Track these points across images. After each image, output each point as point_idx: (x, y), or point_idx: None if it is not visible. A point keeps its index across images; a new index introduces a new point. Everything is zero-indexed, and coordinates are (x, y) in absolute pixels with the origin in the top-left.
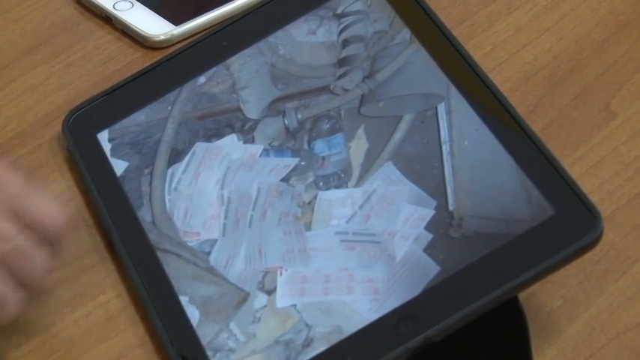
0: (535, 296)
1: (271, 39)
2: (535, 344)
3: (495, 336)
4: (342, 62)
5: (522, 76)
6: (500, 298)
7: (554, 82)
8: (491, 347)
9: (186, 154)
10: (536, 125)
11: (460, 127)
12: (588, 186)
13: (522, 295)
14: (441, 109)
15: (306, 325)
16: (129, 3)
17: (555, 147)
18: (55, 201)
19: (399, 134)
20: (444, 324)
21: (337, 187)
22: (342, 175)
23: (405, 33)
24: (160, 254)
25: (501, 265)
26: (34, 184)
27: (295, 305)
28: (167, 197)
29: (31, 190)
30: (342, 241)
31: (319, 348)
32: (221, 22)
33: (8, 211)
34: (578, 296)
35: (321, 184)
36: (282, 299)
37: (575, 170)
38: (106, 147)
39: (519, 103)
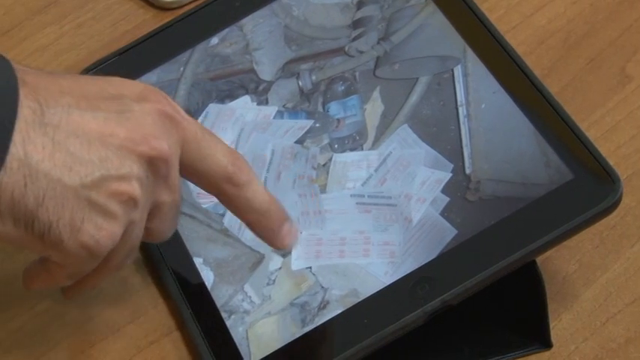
0: (551, 261)
1: (285, 0)
2: (551, 308)
3: (512, 300)
4: (356, 24)
5: (536, 39)
6: (517, 262)
7: (569, 45)
8: (507, 311)
9: (199, 115)
10: (551, 89)
11: (477, 90)
12: (604, 150)
13: (538, 260)
14: (458, 71)
15: (322, 287)
16: None
17: (570, 111)
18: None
19: (414, 97)
20: (461, 288)
21: (352, 149)
22: (358, 138)
23: None
24: None
25: (518, 229)
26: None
27: (311, 268)
28: None
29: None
30: (357, 203)
31: (335, 311)
32: None
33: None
34: (594, 261)
35: (336, 146)
36: (297, 262)
37: (590, 134)
38: None
39: (534, 66)
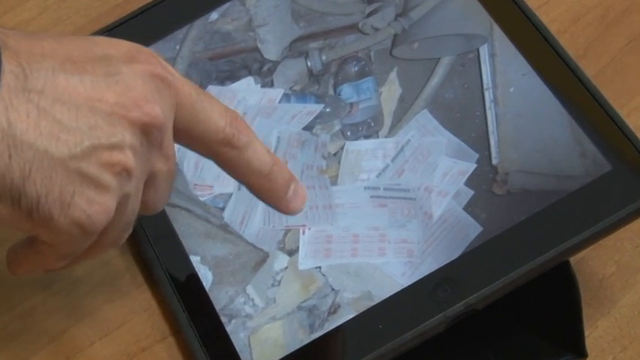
0: (586, 261)
1: None
2: (587, 314)
3: (543, 305)
4: None
5: (571, 16)
6: (549, 262)
7: (607, 23)
8: (538, 317)
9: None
10: (587, 72)
11: (505, 72)
12: None
13: (573, 260)
14: (484, 51)
15: (332, 289)
16: None
17: (608, 96)
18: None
19: (436, 79)
20: (486, 291)
21: (366, 136)
22: (372, 124)
23: None
24: (168, 210)
25: (550, 226)
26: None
27: (320, 268)
28: (175, 147)
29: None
30: (372, 197)
31: (347, 315)
32: None
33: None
34: (634, 262)
35: (348, 133)
36: (305, 261)
37: (630, 122)
38: None
39: (568, 46)
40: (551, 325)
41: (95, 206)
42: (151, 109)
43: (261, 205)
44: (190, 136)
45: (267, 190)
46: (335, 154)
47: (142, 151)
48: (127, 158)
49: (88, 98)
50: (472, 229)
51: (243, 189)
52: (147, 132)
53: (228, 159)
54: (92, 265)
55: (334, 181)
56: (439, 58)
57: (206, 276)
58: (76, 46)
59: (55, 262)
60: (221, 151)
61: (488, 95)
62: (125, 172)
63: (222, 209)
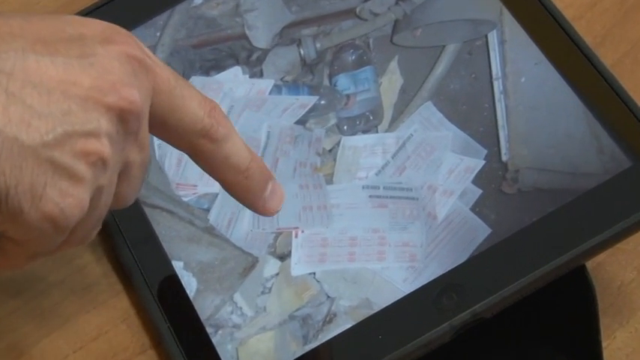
0: (603, 267)
1: None
2: (604, 323)
3: (557, 313)
4: None
5: (588, 1)
6: (563, 267)
7: (626, 9)
8: (551, 326)
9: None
10: (605, 61)
11: (516, 61)
12: None
13: (589, 265)
14: (493, 38)
15: (328, 297)
16: None
17: (628, 87)
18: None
19: (440, 68)
20: (495, 298)
21: (365, 131)
22: (371, 118)
23: None
24: (148, 211)
25: (565, 228)
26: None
27: (314, 274)
28: (156, 143)
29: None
30: (371, 196)
31: (344, 325)
32: None
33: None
34: None
35: (345, 127)
36: (297, 266)
37: None
38: None
39: (585, 33)
40: (566, 335)
41: (69, 199)
42: (129, 94)
43: None
44: (165, 125)
45: (244, 188)
46: (330, 151)
47: (117, 139)
48: (103, 147)
49: (61, 81)
50: (480, 231)
51: None
52: (123, 119)
53: (204, 152)
54: (65, 272)
55: (330, 179)
56: (444, 46)
57: (190, 283)
58: (48, 26)
59: (22, 261)
60: (197, 143)
61: (497, 86)
62: (100, 162)
63: (208, 210)
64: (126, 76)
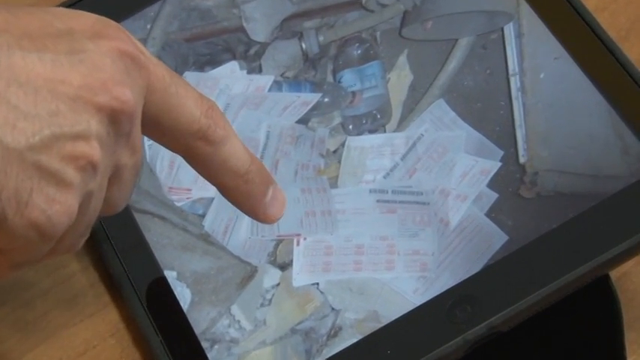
0: (629, 277)
1: None
2: (629, 338)
3: (578, 327)
4: None
5: None
6: (585, 277)
7: None
8: (572, 341)
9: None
10: (630, 55)
11: (534, 56)
12: None
13: (614, 275)
14: (509, 31)
15: (332, 309)
16: None
17: None
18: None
19: (453, 63)
20: (512, 310)
21: (372, 131)
22: (379, 116)
23: None
24: (138, 217)
25: (587, 235)
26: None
27: (317, 284)
28: (147, 143)
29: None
30: (378, 201)
31: (349, 339)
32: None
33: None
34: None
35: (350, 127)
36: (300, 276)
37: None
38: None
39: (608, 26)
40: (588, 350)
41: (56, 206)
42: (121, 93)
43: None
44: (159, 126)
45: (243, 193)
46: (335, 152)
47: (108, 141)
48: (93, 150)
49: (49, 80)
50: (496, 239)
51: None
52: (115, 120)
53: (201, 155)
54: (50, 282)
55: (334, 183)
56: (457, 39)
57: (184, 294)
58: (35, 19)
59: (6, 271)
60: (194, 146)
61: (514, 82)
62: (90, 167)
63: (203, 216)
64: (118, 73)
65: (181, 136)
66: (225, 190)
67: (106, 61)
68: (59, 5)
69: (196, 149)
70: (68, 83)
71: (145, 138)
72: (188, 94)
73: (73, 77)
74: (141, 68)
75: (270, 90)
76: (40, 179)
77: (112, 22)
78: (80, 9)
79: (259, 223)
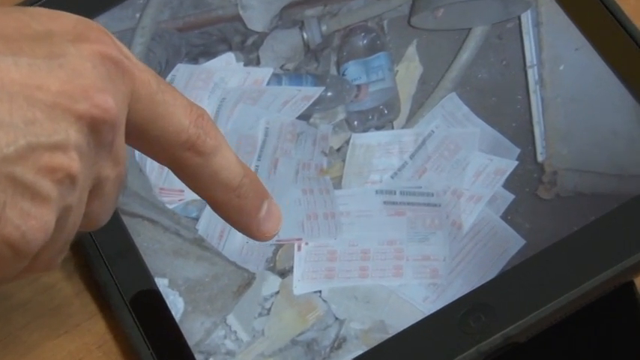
0: None
1: None
2: None
3: (600, 337)
4: None
5: None
6: (607, 284)
7: None
8: (594, 353)
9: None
10: None
11: (553, 46)
12: None
13: (638, 282)
14: (527, 19)
15: (336, 319)
16: None
17: None
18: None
19: (466, 55)
20: (530, 319)
21: (378, 127)
22: (386, 111)
23: None
24: (126, 220)
25: (610, 238)
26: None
27: (320, 292)
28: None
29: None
30: (385, 203)
31: (355, 351)
32: None
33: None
34: None
35: (355, 123)
36: (301, 284)
37: None
38: None
39: (634, 15)
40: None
41: (31, 221)
42: (103, 101)
43: None
44: (145, 135)
45: (235, 209)
46: (338, 150)
47: (88, 152)
48: (72, 162)
49: (25, 86)
50: (512, 243)
51: None
52: (96, 129)
53: (189, 167)
54: (30, 291)
55: (338, 183)
56: (470, 29)
57: (176, 303)
58: (10, 20)
59: None
60: (182, 157)
61: (532, 75)
62: (68, 180)
63: (196, 219)
64: (99, 79)
65: (169, 147)
66: (215, 205)
67: (87, 66)
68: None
69: (185, 160)
70: (46, 89)
71: None
72: (176, 102)
73: (51, 83)
74: (125, 74)
75: (268, 83)
76: (14, 193)
77: (95, 24)
78: (60, 0)
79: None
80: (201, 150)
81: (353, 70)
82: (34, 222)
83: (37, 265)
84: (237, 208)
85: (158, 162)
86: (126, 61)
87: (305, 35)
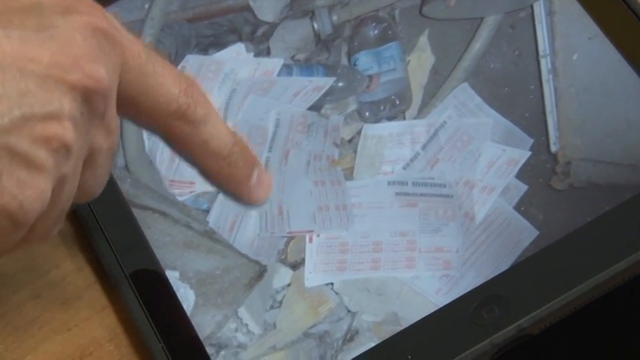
0: None
1: None
2: None
3: (615, 329)
4: None
5: None
6: (622, 275)
7: None
8: (609, 345)
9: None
10: None
11: (567, 35)
12: None
13: None
14: (539, 8)
15: (348, 311)
16: None
17: None
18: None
19: (478, 44)
20: (543, 311)
21: (390, 118)
22: (397, 102)
23: None
24: (137, 213)
25: (624, 229)
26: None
27: (332, 284)
28: (145, 133)
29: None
30: (397, 194)
31: (367, 343)
32: None
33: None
34: None
35: (367, 114)
36: (312, 276)
37: None
38: None
39: None
40: (626, 355)
41: (28, 191)
42: (95, 71)
43: (256, 207)
44: (136, 105)
45: (226, 177)
46: (350, 141)
47: (82, 122)
48: (66, 131)
49: (17, 58)
50: (525, 234)
51: None
52: (88, 99)
53: (180, 135)
54: (41, 284)
55: (349, 174)
56: (482, 18)
57: (187, 296)
58: None
59: None
60: (172, 125)
61: (545, 64)
62: (63, 149)
63: (207, 211)
64: (90, 50)
65: (159, 116)
66: (206, 174)
67: (77, 37)
68: None
69: (175, 129)
70: (38, 61)
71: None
72: (166, 72)
73: (43, 54)
74: (115, 45)
75: (279, 74)
76: (10, 162)
77: None
78: None
79: (269, 220)
80: (191, 119)
81: (364, 61)
82: (31, 191)
83: (34, 236)
84: (228, 176)
85: (150, 132)
86: (116, 33)
87: (316, 25)
